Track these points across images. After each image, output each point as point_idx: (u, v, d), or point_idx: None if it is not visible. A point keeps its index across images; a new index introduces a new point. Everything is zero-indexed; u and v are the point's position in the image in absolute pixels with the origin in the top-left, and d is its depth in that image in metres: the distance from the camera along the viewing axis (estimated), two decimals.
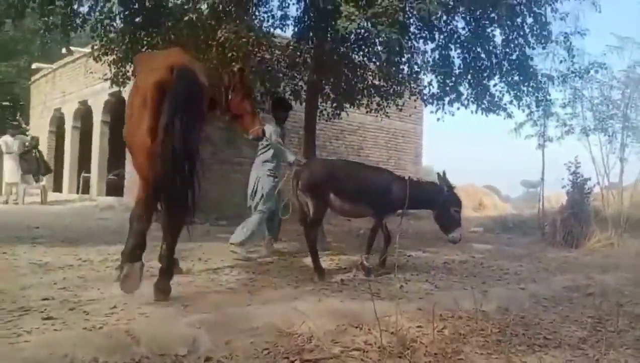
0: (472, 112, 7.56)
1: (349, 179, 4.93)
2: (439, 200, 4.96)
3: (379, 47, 6.70)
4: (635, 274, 5.32)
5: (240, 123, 4.70)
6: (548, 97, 7.80)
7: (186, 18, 5.62)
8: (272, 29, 7.20)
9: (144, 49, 7.20)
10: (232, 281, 4.26)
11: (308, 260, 5.62)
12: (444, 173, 5.11)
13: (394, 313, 2.88)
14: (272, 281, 4.36)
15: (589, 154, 9.34)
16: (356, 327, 2.93)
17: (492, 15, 6.45)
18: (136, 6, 6.49)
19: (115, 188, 13.64)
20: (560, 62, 7.79)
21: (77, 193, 14.33)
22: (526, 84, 7.29)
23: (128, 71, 7.88)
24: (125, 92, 12.11)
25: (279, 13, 7.42)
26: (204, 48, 5.89)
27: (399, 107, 8.51)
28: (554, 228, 8.78)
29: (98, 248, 5.95)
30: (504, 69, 7.21)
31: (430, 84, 8.10)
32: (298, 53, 6.78)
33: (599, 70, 8.13)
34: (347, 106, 8.21)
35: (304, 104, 7.56)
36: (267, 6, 7.34)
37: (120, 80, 7.77)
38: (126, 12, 6.53)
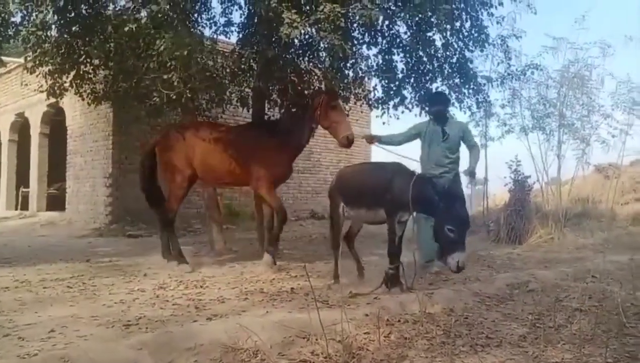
0: (415, 115, 7.71)
1: (354, 183, 4.78)
2: (434, 211, 4.07)
3: (323, 53, 6.74)
4: (574, 268, 5.55)
5: (332, 133, 5.65)
6: (488, 98, 8.06)
7: (126, 28, 5.47)
8: (215, 36, 7.12)
9: (81, 59, 6.98)
10: (179, 297, 4.16)
11: (258, 270, 5.58)
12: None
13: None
14: (220, 294, 4.28)
15: (528, 152, 9.70)
16: (303, 338, 2.92)
17: (432, 19, 6.60)
18: (72, 15, 6.25)
19: (56, 203, 13.14)
20: (498, 64, 8.08)
21: (16, 209, 13.71)
22: (467, 86, 7.50)
23: (65, 82, 7.61)
24: (63, 104, 11.76)
25: (222, 20, 7.35)
26: (143, 57, 5.74)
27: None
28: (498, 226, 9.07)
29: (38, 267, 5.71)
30: (445, 72, 7.39)
31: (374, 88, 8.22)
32: (242, 60, 6.73)
33: (535, 71, 8.48)
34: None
35: (251, 110, 7.52)
36: (209, 13, 7.25)
37: (57, 91, 7.49)
38: (62, 22, 6.28)
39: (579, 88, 9.62)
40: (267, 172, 5.76)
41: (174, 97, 5.64)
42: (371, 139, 5.77)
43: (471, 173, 5.63)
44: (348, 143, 5.48)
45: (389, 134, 5.82)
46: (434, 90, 7.47)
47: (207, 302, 3.96)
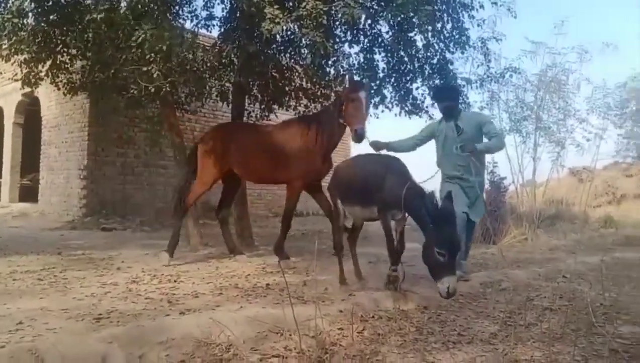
0: (395, 115, 7.75)
1: (347, 179, 4.56)
2: (423, 227, 3.74)
3: (305, 50, 6.73)
4: (546, 268, 5.65)
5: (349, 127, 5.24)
6: (467, 100, 8.13)
7: (105, 18, 5.38)
8: (196, 29, 7.05)
9: (58, 48, 6.84)
10: (152, 291, 4.11)
11: (234, 265, 5.56)
12: (431, 194, 3.77)
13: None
14: (194, 289, 4.25)
15: (505, 154, 9.84)
16: (277, 333, 2.92)
17: (414, 20, 6.63)
18: (50, 3, 6.12)
19: (29, 194, 12.90)
20: (478, 66, 8.16)
21: None
22: None
23: (41, 71, 7.46)
24: (39, 93, 11.53)
25: (204, 13, 7.29)
26: (122, 48, 5.65)
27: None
28: None
29: (8, 259, 5.59)
30: (426, 73, 7.44)
31: None
32: (223, 54, 6.68)
33: (513, 74, 8.60)
34: (275, 107, 8.20)
35: (230, 105, 7.48)
36: (191, 5, 7.18)
37: (33, 80, 7.34)
38: (39, 9, 6.15)
39: (556, 92, 9.81)
40: (297, 171, 5.60)
41: (153, 90, 5.57)
42: (378, 146, 5.15)
43: (464, 148, 4.87)
44: (357, 137, 5.07)
45: (399, 139, 5.40)
46: (414, 90, 7.51)
47: (180, 297, 3.93)
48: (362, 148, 5.72)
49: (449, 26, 7.17)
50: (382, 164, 4.31)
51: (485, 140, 5.07)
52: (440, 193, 4.69)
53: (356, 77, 6.64)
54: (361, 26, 7.10)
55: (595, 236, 9.49)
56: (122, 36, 5.60)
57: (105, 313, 3.34)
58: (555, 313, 3.59)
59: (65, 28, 6.38)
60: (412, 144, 5.34)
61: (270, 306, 3.54)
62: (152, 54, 5.20)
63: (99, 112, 10.49)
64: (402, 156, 4.81)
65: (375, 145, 5.14)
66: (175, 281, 4.62)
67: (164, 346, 2.62)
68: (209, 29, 7.34)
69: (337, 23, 6.59)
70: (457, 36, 7.27)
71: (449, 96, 5.41)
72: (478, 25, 7.52)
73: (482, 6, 7.28)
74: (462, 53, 7.67)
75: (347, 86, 5.60)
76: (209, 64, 6.45)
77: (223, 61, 6.65)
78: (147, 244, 7.37)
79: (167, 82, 5.53)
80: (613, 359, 2.65)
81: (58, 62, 7.20)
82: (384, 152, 5.11)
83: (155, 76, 5.39)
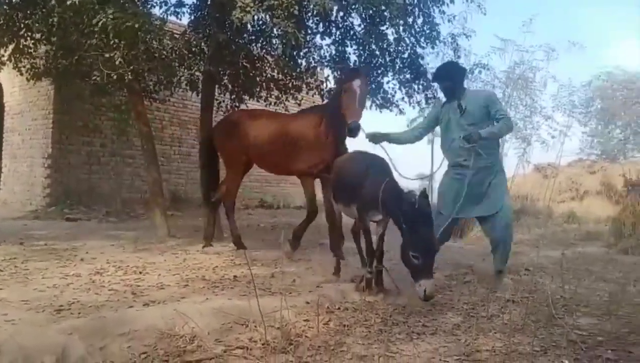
0: (366, 108, 7.77)
1: (336, 175, 4.37)
2: (400, 228, 3.54)
3: (276, 40, 6.68)
4: (509, 262, 5.75)
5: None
6: (437, 95, 8.22)
7: (70, 2, 5.21)
8: (165, 16, 6.91)
9: (21, 32, 6.63)
10: (116, 282, 4.04)
11: (201, 257, 5.50)
12: (409, 193, 3.54)
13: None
14: (160, 280, 4.19)
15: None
16: (242, 325, 2.90)
17: (385, 13, 6.65)
18: None
19: None
20: None
21: None
22: (417, 81, 7.64)
23: (3, 56, 7.22)
24: (1, 79, 11.15)
25: (174, 0, 7.15)
26: (87, 33, 5.51)
27: (298, 101, 8.55)
28: None
29: None
30: (397, 67, 7.50)
31: (327, 79, 8.23)
32: (193, 42, 6.58)
33: (482, 70, 8.74)
34: (246, 98, 8.14)
35: (200, 95, 7.38)
36: None
37: None
38: None
39: (523, 89, 10.01)
40: (307, 160, 5.43)
41: (115, 77, 5.43)
42: (376, 139, 4.68)
43: (469, 138, 4.27)
44: (349, 132, 4.85)
45: (401, 131, 5.02)
46: (385, 84, 7.54)
47: (145, 288, 3.86)
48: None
49: (419, 21, 7.24)
50: (364, 163, 4.10)
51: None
52: (438, 187, 4.59)
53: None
54: (333, 18, 7.10)
55: (559, 231, 9.73)
56: (86, 21, 5.45)
57: (66, 305, 3.26)
58: (517, 305, 3.66)
59: (28, 11, 6.18)
60: (417, 135, 4.82)
61: (237, 298, 3.52)
62: (116, 40, 5.07)
63: (63, 99, 10.22)
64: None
65: (372, 137, 4.67)
66: (140, 272, 4.55)
67: (126, 338, 2.58)
68: (179, 16, 7.21)
69: (309, 14, 6.56)
70: (428, 31, 7.34)
71: (447, 75, 4.73)
72: (449, 20, 7.62)
73: (452, 1, 7.36)
74: (433, 48, 7.76)
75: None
76: (178, 52, 6.35)
77: (193, 49, 6.54)
78: (113, 235, 7.23)
79: (129, 70, 5.41)
80: (571, 350, 2.72)
81: (21, 46, 7.00)
82: (384, 145, 4.68)
83: (118, 63, 5.26)
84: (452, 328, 3.10)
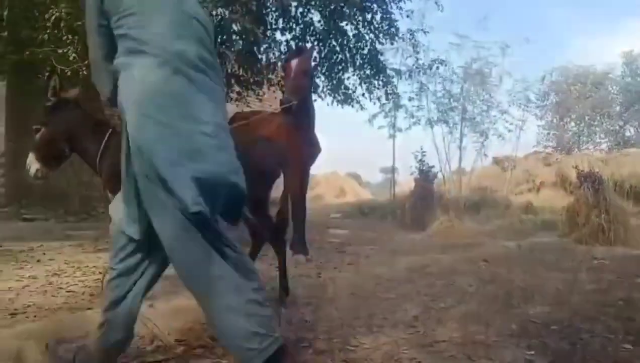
0: (327, 104, 7.83)
1: None
2: None
3: (235, 36, 6.63)
4: (469, 253, 5.91)
5: None
6: (396, 90, 8.35)
7: None
8: None
9: None
10: (74, 284, 3.95)
11: None
12: None
13: None
14: None
15: (432, 143, 10.21)
16: (204, 323, 2.88)
17: (345, 10, 6.69)
18: None
19: None
20: (407, 57, 8.41)
21: None
22: (377, 77, 7.72)
23: None
24: None
25: None
26: (38, 28, 5.33)
27: (259, 97, 8.51)
28: (404, 212, 9.47)
29: None
30: (357, 63, 7.56)
31: None
32: None
33: (440, 66, 8.91)
34: None
35: None
36: None
37: None
38: None
39: (480, 85, 10.24)
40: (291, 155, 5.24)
41: (69, 73, 5.28)
42: None
43: None
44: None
45: None
46: (346, 80, 7.60)
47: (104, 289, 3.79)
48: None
49: (378, 17, 7.31)
50: None
51: None
52: None
53: None
54: (293, 14, 7.09)
55: (516, 222, 9.99)
56: (38, 15, 5.28)
57: (21, 308, 3.18)
58: (474, 296, 3.76)
59: None
60: None
61: None
62: (69, 35, 4.93)
63: (15, 95, 9.86)
64: None
65: None
66: (100, 273, 4.45)
67: (84, 340, 2.53)
68: None
69: (268, 10, 6.54)
70: (386, 27, 7.42)
71: None
72: (407, 16, 7.74)
73: None
74: (392, 44, 7.87)
75: None
76: None
77: None
78: (72, 234, 7.06)
79: (84, 65, 5.27)
80: (526, 337, 2.81)
81: None
82: None
83: (72, 58, 5.12)
84: (412, 320, 3.16)
